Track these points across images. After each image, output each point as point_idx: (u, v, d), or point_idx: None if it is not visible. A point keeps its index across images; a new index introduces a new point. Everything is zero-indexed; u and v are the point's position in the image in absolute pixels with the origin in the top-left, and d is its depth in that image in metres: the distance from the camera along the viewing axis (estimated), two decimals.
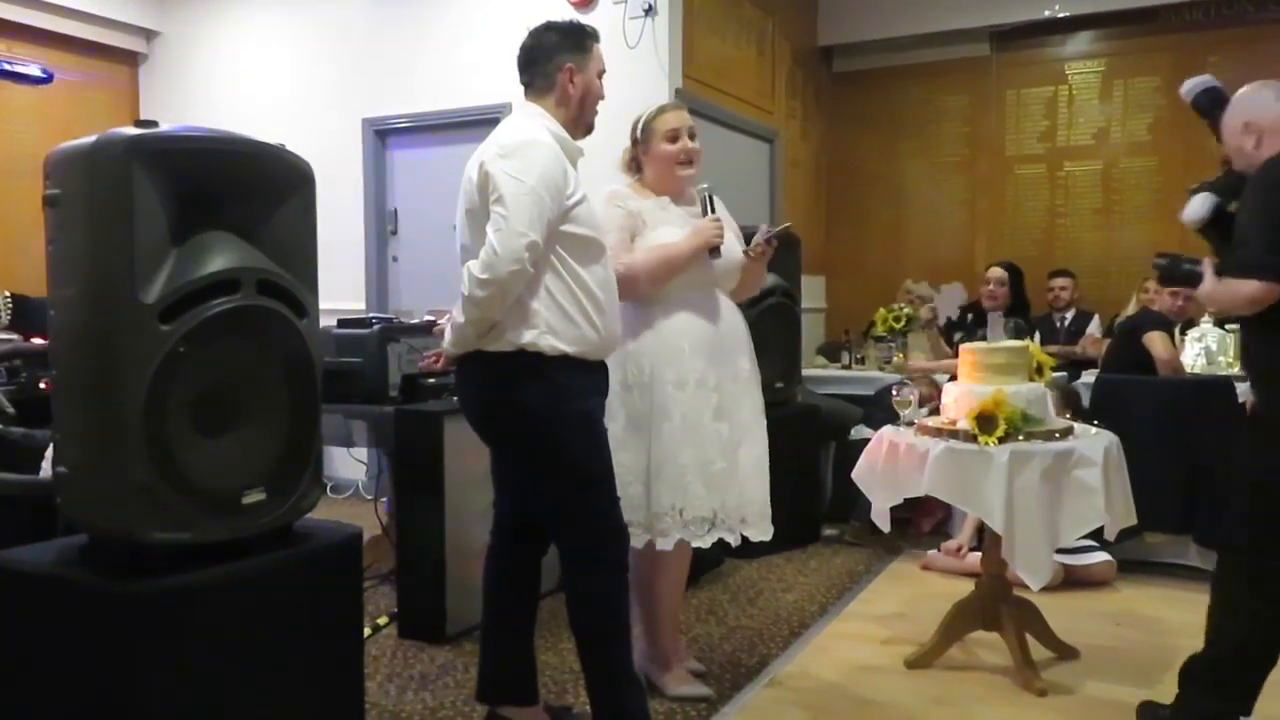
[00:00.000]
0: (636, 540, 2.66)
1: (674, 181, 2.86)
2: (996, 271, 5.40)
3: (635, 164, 2.90)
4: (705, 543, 2.71)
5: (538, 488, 2.42)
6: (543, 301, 2.30)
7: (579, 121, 2.46)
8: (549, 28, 2.47)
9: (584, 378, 2.38)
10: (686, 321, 2.74)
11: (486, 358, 2.34)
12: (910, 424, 3.10)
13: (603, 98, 2.51)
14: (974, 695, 2.90)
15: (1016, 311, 5.33)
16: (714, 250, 2.73)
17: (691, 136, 2.84)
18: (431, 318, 3.96)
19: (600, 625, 2.39)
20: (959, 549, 4.10)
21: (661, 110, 2.90)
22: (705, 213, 2.81)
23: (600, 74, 2.49)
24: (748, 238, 2.92)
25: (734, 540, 2.76)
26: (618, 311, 2.48)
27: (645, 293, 2.71)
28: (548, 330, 2.29)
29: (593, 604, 2.39)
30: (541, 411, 2.31)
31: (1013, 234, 6.40)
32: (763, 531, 2.81)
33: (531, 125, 2.39)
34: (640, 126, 2.86)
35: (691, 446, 2.67)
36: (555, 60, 2.43)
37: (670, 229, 2.77)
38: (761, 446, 2.85)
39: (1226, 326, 4.58)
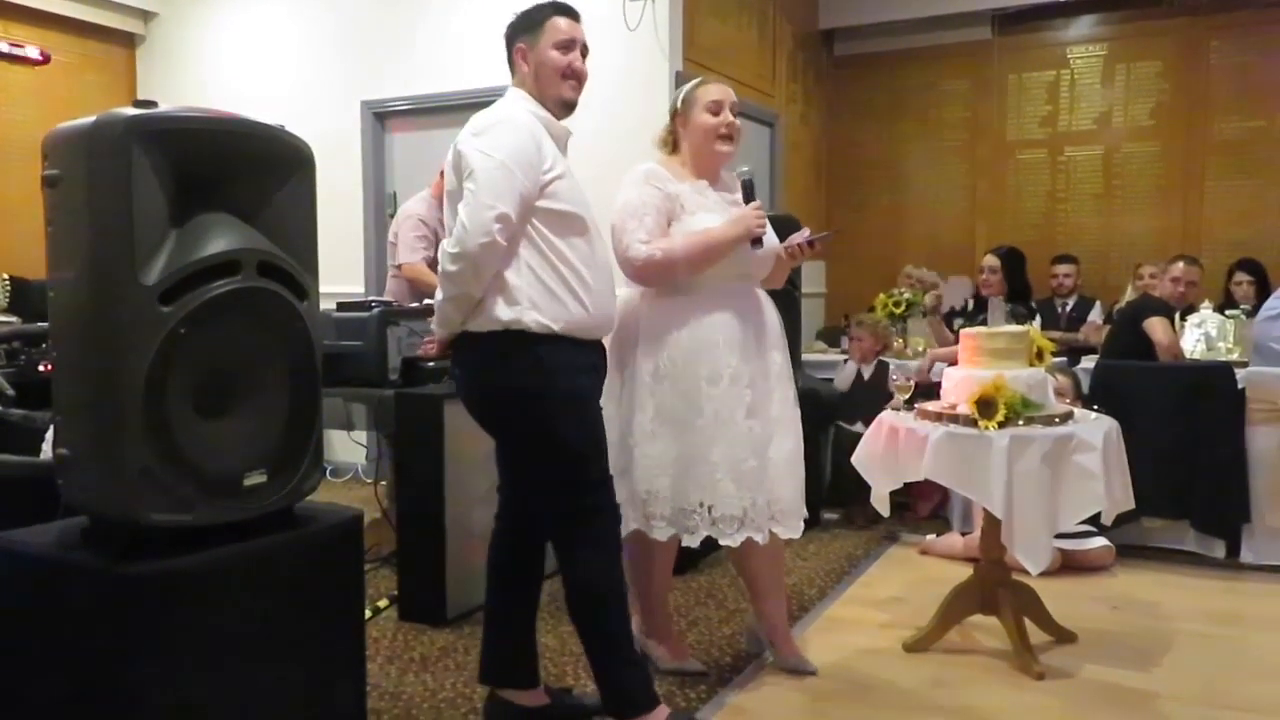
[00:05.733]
0: (661, 533, 2.65)
1: (712, 158, 2.78)
2: (989, 260, 5.42)
3: (673, 140, 2.83)
4: (734, 541, 2.64)
5: (528, 467, 2.42)
6: (524, 278, 2.29)
7: (546, 98, 2.42)
8: (514, 15, 2.48)
9: (573, 355, 2.35)
10: (722, 315, 2.67)
11: (474, 338, 2.34)
12: (911, 408, 3.11)
13: (566, 70, 2.41)
14: (972, 678, 2.91)
15: (1017, 296, 5.34)
16: (756, 241, 2.66)
17: (734, 113, 2.77)
18: (430, 301, 3.96)
19: (596, 606, 2.39)
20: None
21: (704, 81, 2.85)
22: (747, 199, 2.72)
23: (558, 45, 2.40)
24: (777, 226, 2.83)
25: (762, 539, 2.68)
26: (610, 290, 2.45)
27: (682, 279, 2.65)
28: (531, 306, 2.28)
29: (586, 584, 2.38)
30: (529, 390, 2.30)
31: (1013, 219, 6.40)
32: (792, 529, 2.75)
33: (508, 106, 2.40)
34: (681, 97, 2.80)
35: (723, 444, 2.62)
36: (512, 44, 2.46)
37: (710, 215, 2.69)
38: (793, 440, 2.78)
39: (1227, 313, 4.58)
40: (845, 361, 4.99)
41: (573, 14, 2.47)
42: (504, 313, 2.28)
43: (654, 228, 2.63)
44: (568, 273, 2.32)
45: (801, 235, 2.83)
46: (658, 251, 2.60)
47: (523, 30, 2.44)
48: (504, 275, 2.28)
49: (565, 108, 2.45)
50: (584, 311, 2.34)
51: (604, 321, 2.45)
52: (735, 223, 2.66)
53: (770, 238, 2.75)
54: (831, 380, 5.13)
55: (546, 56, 2.41)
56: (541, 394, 2.30)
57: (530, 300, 2.28)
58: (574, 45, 2.44)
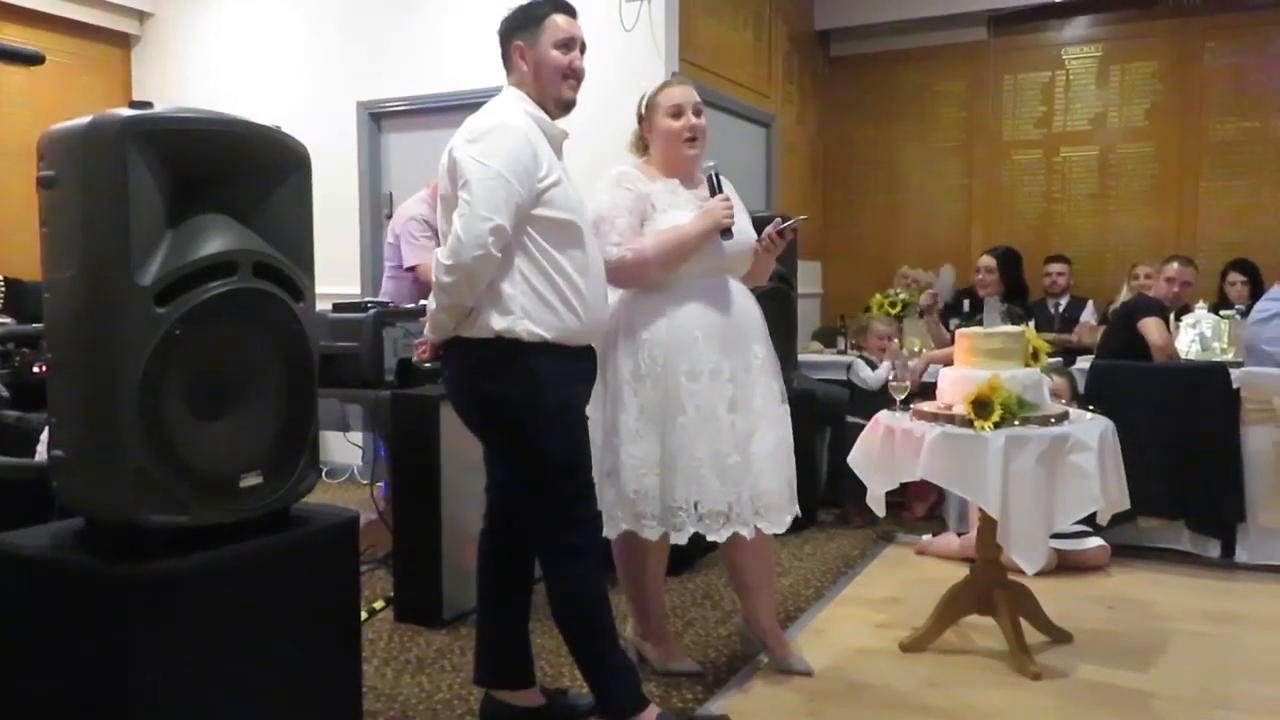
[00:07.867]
0: (652, 533, 2.65)
1: (680, 161, 2.79)
2: (985, 260, 5.43)
3: (642, 144, 2.84)
4: (720, 537, 2.65)
5: (513, 474, 2.42)
6: (518, 287, 2.27)
7: (545, 98, 2.40)
8: (509, 11, 2.45)
9: (565, 364, 2.35)
10: (698, 310, 2.68)
11: (467, 344, 2.33)
12: (907, 408, 3.11)
13: (567, 70, 2.39)
14: (968, 678, 2.92)
15: (1014, 296, 5.35)
16: (725, 231, 2.67)
17: (697, 114, 2.77)
18: (425, 302, 3.95)
19: (579, 613, 2.39)
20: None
21: (665, 85, 2.85)
22: (713, 192, 2.73)
23: (558, 44, 2.38)
24: (760, 227, 2.85)
25: (748, 534, 2.68)
26: (603, 297, 2.45)
27: (657, 278, 2.66)
28: (524, 315, 2.27)
29: (569, 592, 2.38)
30: (519, 399, 2.29)
31: (1009, 220, 6.41)
32: (777, 524, 2.74)
33: (505, 109, 2.36)
34: (644, 103, 2.81)
35: (706, 439, 2.63)
36: (509, 42, 2.42)
37: (681, 213, 2.70)
38: (777, 433, 2.77)
39: (1221, 313, 4.59)
40: (870, 365, 4.92)
41: (571, 10, 2.44)
42: (497, 321, 2.27)
43: (626, 230, 2.64)
44: (562, 281, 2.31)
45: (773, 225, 2.84)
46: (629, 253, 2.61)
47: (520, 28, 2.40)
48: (498, 284, 2.27)
49: (564, 107, 2.43)
50: (577, 320, 2.33)
51: (596, 328, 2.45)
52: (703, 215, 2.67)
53: (744, 229, 2.76)
54: (828, 380, 5.13)
55: (547, 56, 2.38)
56: (531, 404, 2.30)
57: (523, 309, 2.27)
58: (574, 43, 2.41)
